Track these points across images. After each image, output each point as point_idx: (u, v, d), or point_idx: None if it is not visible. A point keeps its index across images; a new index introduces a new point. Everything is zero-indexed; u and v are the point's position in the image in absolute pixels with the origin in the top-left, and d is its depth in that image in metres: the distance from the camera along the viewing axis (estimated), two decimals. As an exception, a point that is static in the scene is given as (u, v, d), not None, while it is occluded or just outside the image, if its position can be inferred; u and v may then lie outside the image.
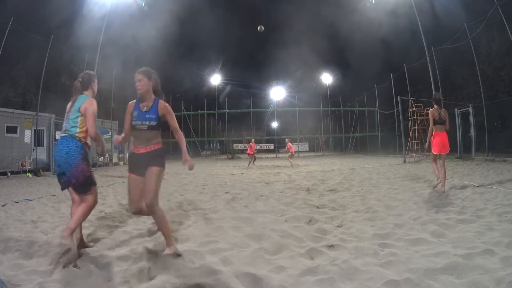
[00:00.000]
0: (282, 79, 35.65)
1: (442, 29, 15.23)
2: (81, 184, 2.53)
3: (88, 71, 2.87)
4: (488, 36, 12.50)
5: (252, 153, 14.60)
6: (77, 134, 2.57)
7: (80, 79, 2.73)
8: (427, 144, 5.30)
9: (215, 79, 34.30)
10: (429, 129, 5.15)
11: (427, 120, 6.26)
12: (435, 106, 5.15)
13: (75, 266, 2.27)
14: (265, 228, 3.10)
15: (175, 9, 19.80)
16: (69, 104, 2.67)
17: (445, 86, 14.79)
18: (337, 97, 31.52)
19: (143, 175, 2.46)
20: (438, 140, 5.03)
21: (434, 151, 5.09)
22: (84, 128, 2.60)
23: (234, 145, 33.56)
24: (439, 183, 4.98)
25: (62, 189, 2.59)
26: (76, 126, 2.58)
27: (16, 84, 13.83)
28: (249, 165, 13.99)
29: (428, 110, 9.03)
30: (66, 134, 2.57)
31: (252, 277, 2.00)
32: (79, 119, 2.59)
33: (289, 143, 14.33)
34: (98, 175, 10.42)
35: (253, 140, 15.34)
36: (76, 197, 2.60)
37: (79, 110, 2.59)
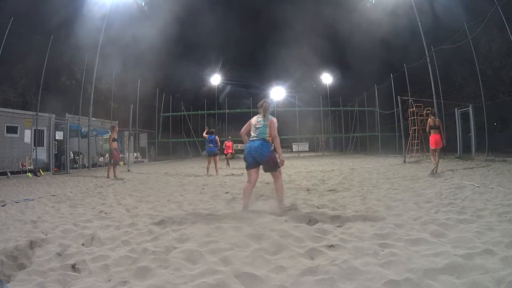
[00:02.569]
0: (282, 79, 35.70)
1: (442, 29, 15.21)
2: (272, 166, 4.04)
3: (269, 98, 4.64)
4: (488, 36, 12.48)
5: (230, 152, 13.10)
6: (267, 138, 4.07)
7: (266, 104, 4.18)
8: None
9: (215, 79, 34.32)
10: (428, 132, 7.85)
11: (427, 119, 8.52)
12: (431, 117, 7.82)
13: (74, 267, 2.27)
14: (265, 228, 3.09)
15: (175, 9, 19.83)
16: (256, 118, 4.17)
17: (445, 86, 14.78)
18: (337, 97, 31.53)
19: None
20: (433, 139, 7.66)
21: (431, 146, 7.74)
22: (268, 134, 4.08)
23: (234, 145, 33.55)
24: (435, 167, 7.55)
25: (265, 170, 4.09)
26: (265, 133, 4.06)
27: (16, 84, 13.82)
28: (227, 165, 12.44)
29: (427, 110, 9.73)
30: (259, 138, 4.04)
31: (252, 277, 2.00)
32: (267, 129, 4.06)
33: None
34: (98, 176, 10.42)
35: (229, 138, 13.54)
36: (253, 178, 4.10)
37: (267, 125, 4.07)
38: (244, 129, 4.29)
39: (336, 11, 23.60)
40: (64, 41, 14.50)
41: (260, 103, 4.22)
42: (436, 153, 7.65)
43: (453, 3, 14.60)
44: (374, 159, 16.47)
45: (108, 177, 9.29)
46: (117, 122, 18.09)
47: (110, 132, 9.45)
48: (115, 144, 9.36)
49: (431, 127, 7.66)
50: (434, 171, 7.46)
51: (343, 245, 2.52)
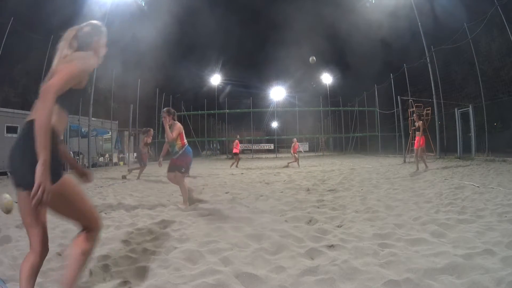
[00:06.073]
0: (282, 79, 35.69)
1: (442, 29, 15.23)
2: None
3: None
4: (488, 36, 12.49)
5: (238, 152, 13.55)
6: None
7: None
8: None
9: (215, 79, 34.31)
10: (422, 133, 8.75)
11: (427, 120, 9.26)
12: (421, 121, 8.91)
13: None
14: (265, 228, 3.09)
15: (175, 9, 19.83)
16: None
17: (445, 86, 14.78)
18: (337, 97, 31.58)
19: None
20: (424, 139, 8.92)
21: (424, 145, 9.00)
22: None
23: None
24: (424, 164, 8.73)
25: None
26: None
27: (16, 84, 13.82)
28: (231, 166, 12.88)
29: (428, 110, 9.80)
30: None
31: (252, 277, 2.00)
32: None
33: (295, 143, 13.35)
34: (98, 176, 10.41)
35: (238, 136, 13.84)
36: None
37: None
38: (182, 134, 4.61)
39: (336, 11, 23.62)
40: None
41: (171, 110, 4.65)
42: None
43: (453, 3, 14.61)
44: (374, 159, 16.46)
45: (138, 178, 8.96)
46: (117, 122, 18.10)
47: (144, 136, 9.17)
48: (146, 149, 9.19)
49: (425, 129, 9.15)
50: (425, 167, 8.61)
51: (343, 245, 2.52)
